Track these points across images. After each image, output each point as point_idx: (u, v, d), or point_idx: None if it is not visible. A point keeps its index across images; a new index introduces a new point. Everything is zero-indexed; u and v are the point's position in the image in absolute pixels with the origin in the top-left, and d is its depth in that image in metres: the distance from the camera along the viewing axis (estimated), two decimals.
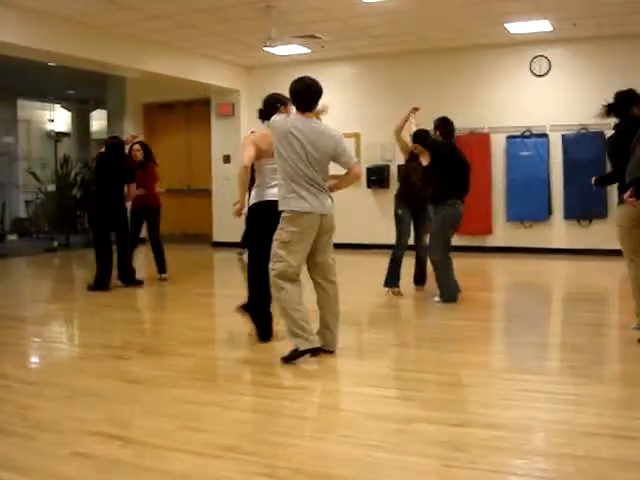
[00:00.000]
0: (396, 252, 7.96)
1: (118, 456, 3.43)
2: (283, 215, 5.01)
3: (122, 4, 9.44)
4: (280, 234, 5.04)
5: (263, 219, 5.51)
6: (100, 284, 8.54)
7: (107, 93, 15.70)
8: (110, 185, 8.65)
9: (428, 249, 7.76)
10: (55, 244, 14.36)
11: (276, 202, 5.15)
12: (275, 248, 5.07)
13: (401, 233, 7.95)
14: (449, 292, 7.44)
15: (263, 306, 5.76)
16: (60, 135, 17.21)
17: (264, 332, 5.78)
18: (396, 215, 7.98)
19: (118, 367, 5.18)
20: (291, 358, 4.99)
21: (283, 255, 5.00)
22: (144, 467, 3.32)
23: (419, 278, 8.28)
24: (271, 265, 5.10)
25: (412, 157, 7.98)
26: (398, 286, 7.92)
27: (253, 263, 5.76)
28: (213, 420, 3.98)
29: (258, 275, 5.58)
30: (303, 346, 4.96)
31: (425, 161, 7.74)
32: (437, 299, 7.48)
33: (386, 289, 7.91)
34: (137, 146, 9.50)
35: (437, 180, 7.48)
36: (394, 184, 13.04)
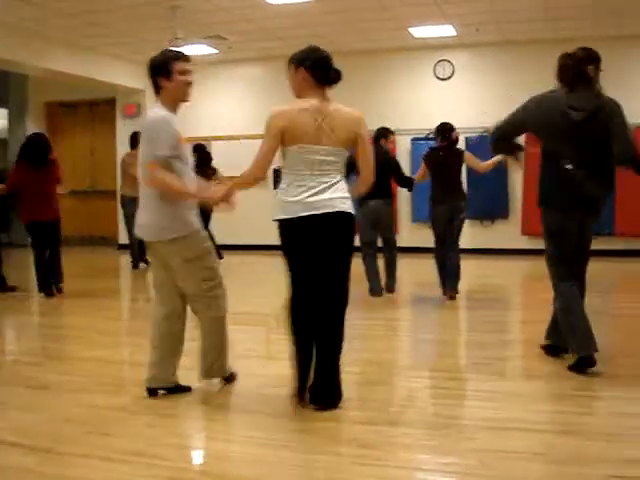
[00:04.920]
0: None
1: (20, 464, 3.35)
2: None
3: (28, 0, 9.20)
4: None
5: None
6: None
7: (9, 91, 15.20)
8: None
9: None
10: None
11: None
12: None
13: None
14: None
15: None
16: None
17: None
18: None
19: (22, 373, 5.05)
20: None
21: None
22: (48, 474, 3.25)
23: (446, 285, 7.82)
24: None
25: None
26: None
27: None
28: (120, 425, 3.92)
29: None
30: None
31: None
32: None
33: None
34: None
35: None
36: None
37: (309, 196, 3.90)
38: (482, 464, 3.28)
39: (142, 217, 4.25)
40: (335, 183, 3.98)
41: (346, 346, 5.54)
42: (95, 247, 14.40)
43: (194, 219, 4.24)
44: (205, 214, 10.59)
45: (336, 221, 3.98)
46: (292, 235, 3.99)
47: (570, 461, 3.30)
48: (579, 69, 4.60)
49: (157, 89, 4.32)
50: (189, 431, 3.92)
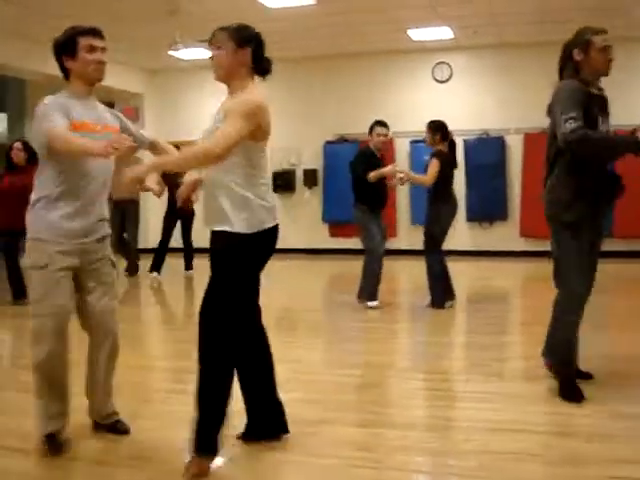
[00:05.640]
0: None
1: (17, 468, 3.35)
2: None
3: (24, 5, 9.20)
4: None
5: None
6: None
7: (7, 96, 15.25)
8: None
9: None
10: None
11: None
12: None
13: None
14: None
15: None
16: None
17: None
18: None
19: (17, 377, 5.04)
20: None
21: None
22: (45, 478, 3.25)
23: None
24: None
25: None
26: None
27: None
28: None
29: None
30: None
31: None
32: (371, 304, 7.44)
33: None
34: (18, 144, 7.96)
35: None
36: (301, 188, 13.14)
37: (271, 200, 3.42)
38: (480, 466, 3.28)
39: None
40: None
41: (344, 348, 5.53)
42: None
43: (52, 227, 3.50)
44: (186, 223, 10.52)
45: None
46: (267, 246, 3.36)
47: (567, 462, 3.31)
48: (564, 57, 4.26)
49: (65, 73, 3.66)
50: (186, 435, 3.90)
